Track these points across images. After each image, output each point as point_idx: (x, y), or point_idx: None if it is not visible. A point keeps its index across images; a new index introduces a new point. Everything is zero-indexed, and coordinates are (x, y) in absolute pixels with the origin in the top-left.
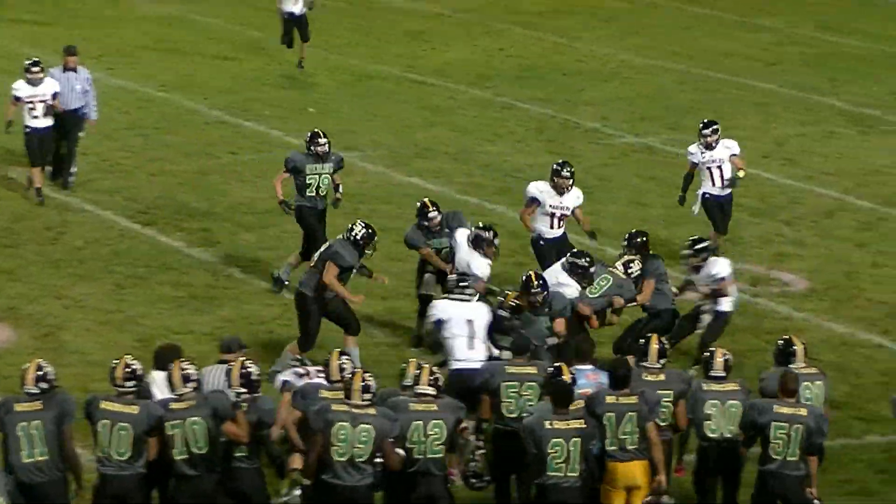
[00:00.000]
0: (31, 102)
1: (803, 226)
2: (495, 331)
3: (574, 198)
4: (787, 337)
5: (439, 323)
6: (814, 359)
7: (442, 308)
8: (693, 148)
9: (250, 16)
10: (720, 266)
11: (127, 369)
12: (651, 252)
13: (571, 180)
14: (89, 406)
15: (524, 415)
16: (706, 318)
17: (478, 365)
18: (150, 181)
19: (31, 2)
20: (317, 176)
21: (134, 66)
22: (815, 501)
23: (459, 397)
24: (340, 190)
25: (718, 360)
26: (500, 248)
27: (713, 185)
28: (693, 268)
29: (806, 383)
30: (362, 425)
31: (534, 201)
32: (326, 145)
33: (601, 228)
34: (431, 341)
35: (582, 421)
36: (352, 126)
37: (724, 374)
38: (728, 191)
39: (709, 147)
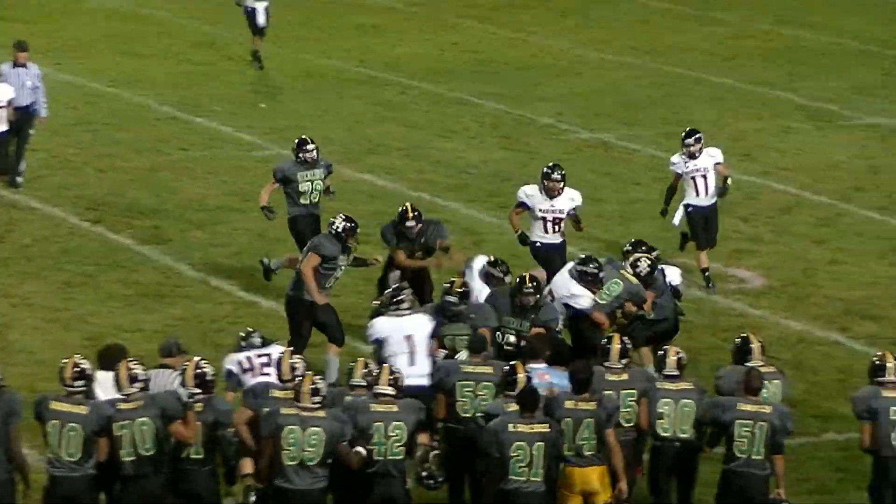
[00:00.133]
0: None
1: (760, 222)
2: (443, 317)
3: (567, 200)
4: (744, 335)
5: (378, 342)
6: (772, 357)
7: (379, 327)
8: (676, 158)
9: (200, 10)
10: (672, 275)
11: (76, 369)
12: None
13: (562, 183)
14: (39, 406)
15: (478, 414)
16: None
17: (421, 381)
18: (99, 178)
19: None
20: (309, 183)
21: (83, 60)
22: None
23: None
24: (333, 189)
25: (671, 359)
26: (456, 243)
27: (697, 195)
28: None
29: (763, 382)
30: (312, 428)
31: (522, 205)
32: (314, 151)
33: None
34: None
35: (547, 425)
36: (303, 122)
37: (677, 373)
38: (713, 201)
39: (692, 156)
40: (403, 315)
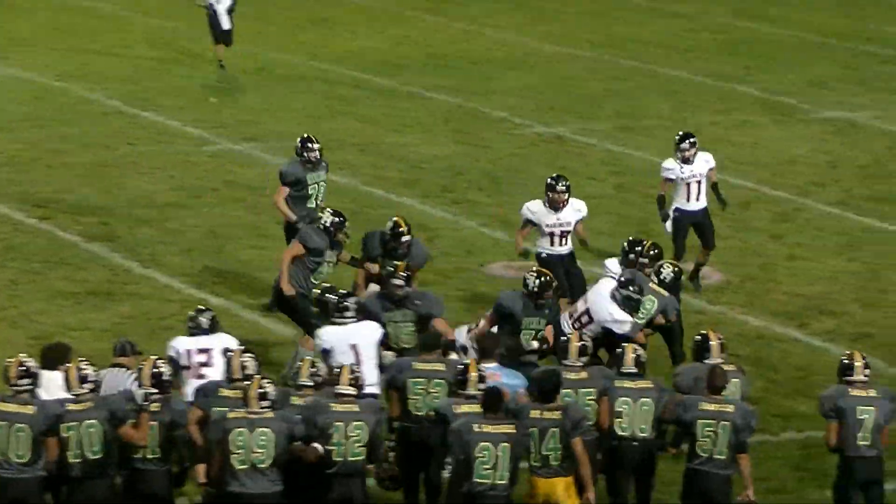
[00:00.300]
0: None
1: (718, 217)
2: (389, 302)
3: (574, 211)
4: (703, 332)
5: (325, 352)
6: (731, 354)
7: (325, 337)
8: (670, 163)
9: (149, 4)
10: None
11: (21, 367)
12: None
13: (567, 194)
14: None
15: (431, 413)
16: None
17: (368, 390)
18: (46, 174)
19: None
20: (316, 185)
21: (29, 55)
22: None
23: None
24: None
25: (629, 357)
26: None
27: (688, 200)
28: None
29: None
30: (260, 429)
31: (528, 223)
32: (319, 150)
33: (509, 221)
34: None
35: (512, 425)
36: (254, 116)
37: (635, 371)
38: (704, 205)
39: (686, 161)
40: (348, 323)
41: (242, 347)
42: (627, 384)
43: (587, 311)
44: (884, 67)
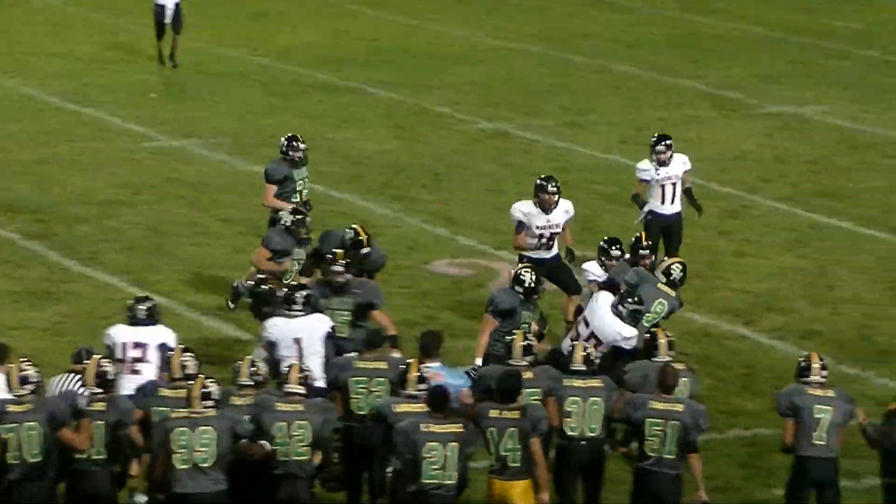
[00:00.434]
0: None
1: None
2: (329, 289)
3: (562, 212)
4: (652, 330)
5: (271, 345)
6: (679, 353)
7: (271, 329)
8: (645, 164)
9: None
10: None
11: None
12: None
13: (558, 195)
14: None
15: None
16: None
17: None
18: None
19: None
20: (302, 182)
21: None
22: None
23: None
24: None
25: (579, 355)
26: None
27: (662, 203)
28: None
29: (678, 379)
30: (201, 428)
31: (521, 225)
32: (305, 149)
33: (452, 217)
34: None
35: (460, 425)
36: (193, 112)
37: (584, 369)
38: (678, 209)
39: (663, 164)
40: (295, 316)
41: (183, 347)
42: (577, 383)
43: (593, 335)
44: (832, 61)
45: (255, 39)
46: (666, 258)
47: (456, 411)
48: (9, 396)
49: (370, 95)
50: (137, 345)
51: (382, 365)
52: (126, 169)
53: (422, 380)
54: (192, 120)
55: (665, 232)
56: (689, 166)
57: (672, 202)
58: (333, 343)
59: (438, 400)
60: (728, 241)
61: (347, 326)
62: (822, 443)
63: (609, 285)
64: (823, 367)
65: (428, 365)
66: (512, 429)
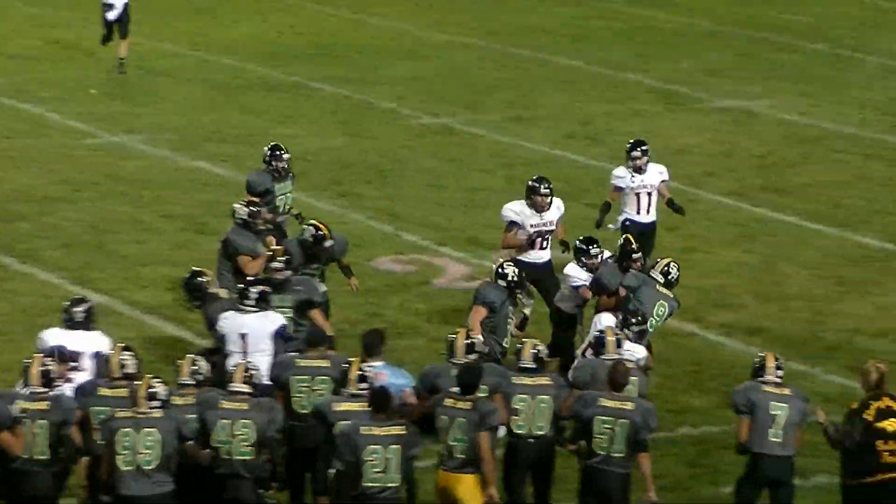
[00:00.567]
0: None
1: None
2: (268, 285)
3: (555, 209)
4: (602, 328)
5: (222, 339)
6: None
7: (222, 322)
8: (621, 171)
9: None
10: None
11: None
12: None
13: (551, 197)
14: None
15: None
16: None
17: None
18: None
19: None
20: (284, 196)
21: None
22: None
23: None
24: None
25: (528, 352)
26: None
27: (638, 212)
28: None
29: (629, 378)
30: (146, 429)
31: (513, 225)
32: (287, 161)
33: (396, 213)
34: None
35: (402, 426)
36: (135, 108)
37: (534, 366)
38: (653, 219)
39: (639, 170)
40: (247, 312)
41: (123, 345)
42: (525, 381)
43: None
44: (779, 55)
45: (196, 34)
46: (659, 259)
47: (399, 412)
48: None
49: (315, 91)
50: (73, 353)
51: (325, 363)
52: (66, 165)
53: (362, 379)
54: (133, 116)
55: (638, 239)
56: (666, 176)
57: (648, 211)
58: (284, 342)
59: (380, 400)
60: (675, 236)
61: (290, 324)
62: (777, 440)
63: (597, 287)
64: (779, 367)
65: (371, 364)
66: (461, 419)
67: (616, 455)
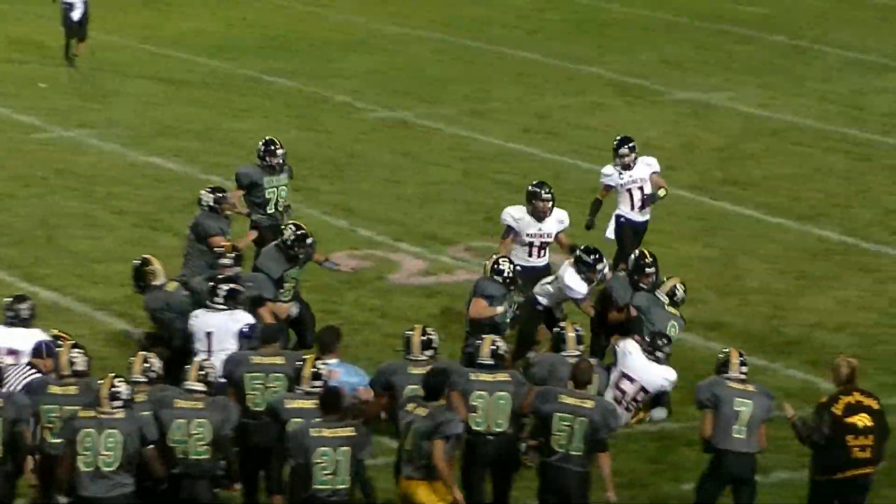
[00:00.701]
0: None
1: (568, 203)
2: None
3: (556, 222)
4: (561, 324)
5: (191, 338)
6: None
7: (192, 320)
8: (609, 169)
9: None
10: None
11: None
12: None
13: (552, 202)
14: None
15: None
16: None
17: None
18: None
19: None
20: (275, 189)
21: None
22: None
23: None
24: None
25: (486, 349)
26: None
27: (632, 208)
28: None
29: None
30: (108, 430)
31: (510, 230)
32: (283, 155)
33: (352, 208)
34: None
35: (352, 428)
36: (85, 102)
37: (492, 363)
38: (647, 216)
39: (627, 167)
40: (217, 311)
41: (72, 342)
42: (483, 377)
43: (643, 388)
44: (738, 47)
45: (147, 27)
46: (666, 279)
47: (351, 412)
48: None
49: (268, 84)
50: (11, 351)
51: (279, 360)
52: (15, 160)
53: (316, 376)
54: (84, 110)
55: (632, 238)
56: (655, 168)
57: (642, 208)
58: (249, 342)
59: (331, 401)
60: None
61: None
62: (741, 437)
63: (607, 301)
64: (743, 364)
65: (325, 361)
66: (417, 426)
67: (574, 453)
